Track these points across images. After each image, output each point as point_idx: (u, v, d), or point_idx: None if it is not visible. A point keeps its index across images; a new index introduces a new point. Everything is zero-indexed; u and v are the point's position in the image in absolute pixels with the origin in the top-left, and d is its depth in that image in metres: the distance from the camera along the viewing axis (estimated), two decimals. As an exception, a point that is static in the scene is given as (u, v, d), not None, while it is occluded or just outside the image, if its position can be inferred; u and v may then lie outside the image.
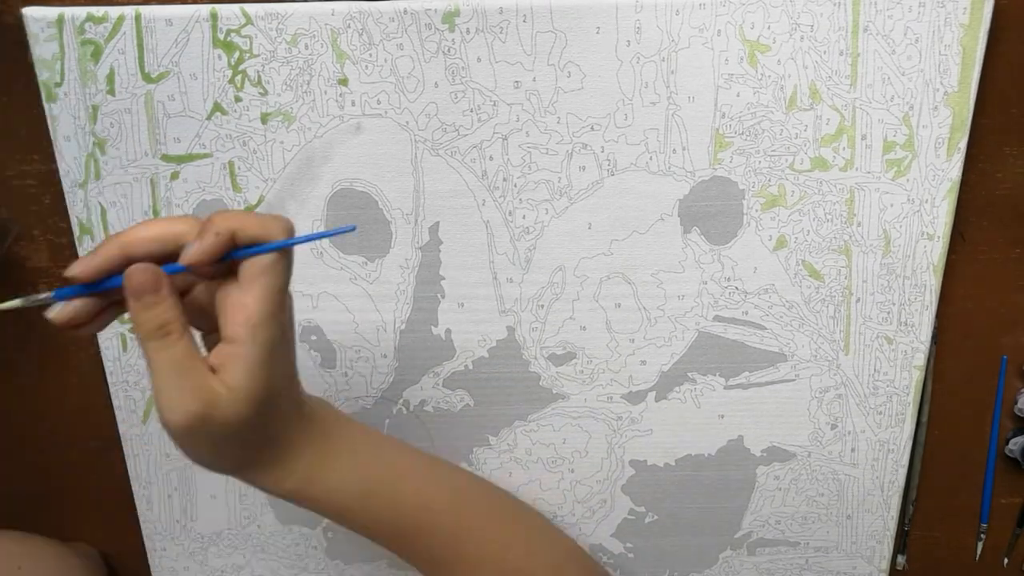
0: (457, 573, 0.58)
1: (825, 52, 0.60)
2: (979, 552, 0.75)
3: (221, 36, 0.60)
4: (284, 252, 0.46)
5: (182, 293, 0.47)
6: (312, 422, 0.52)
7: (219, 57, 0.60)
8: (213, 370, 0.45)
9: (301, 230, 0.64)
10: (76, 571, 0.70)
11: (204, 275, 0.46)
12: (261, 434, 0.48)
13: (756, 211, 0.63)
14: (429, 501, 0.56)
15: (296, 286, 0.65)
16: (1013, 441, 0.70)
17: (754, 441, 0.69)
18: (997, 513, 0.73)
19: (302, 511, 0.69)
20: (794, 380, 0.67)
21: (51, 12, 0.59)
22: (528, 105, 0.61)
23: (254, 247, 0.45)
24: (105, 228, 0.64)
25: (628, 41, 0.60)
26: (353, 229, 0.48)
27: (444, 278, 0.66)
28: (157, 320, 0.44)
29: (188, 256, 0.44)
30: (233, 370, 0.45)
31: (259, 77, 0.61)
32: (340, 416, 0.55)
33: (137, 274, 0.44)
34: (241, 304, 0.45)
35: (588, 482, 0.71)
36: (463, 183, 0.63)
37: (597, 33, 0.60)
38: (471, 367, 0.68)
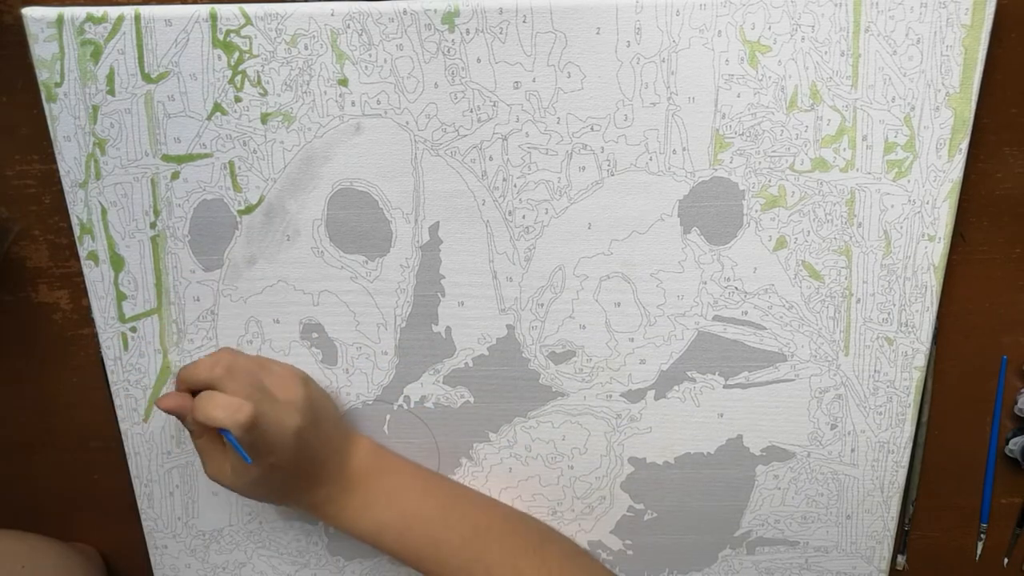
0: None
1: (826, 53, 0.59)
2: (979, 552, 0.75)
3: (220, 36, 0.60)
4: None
5: None
6: (343, 484, 0.66)
7: (219, 57, 0.60)
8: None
9: (302, 230, 0.64)
10: (77, 570, 0.70)
11: None
12: (275, 490, 0.64)
13: (756, 211, 0.63)
14: (438, 541, 0.66)
15: (297, 284, 0.66)
16: (1013, 441, 0.70)
17: (753, 440, 0.70)
18: (997, 513, 0.73)
19: (303, 509, 0.70)
20: (794, 380, 0.67)
21: (51, 12, 0.59)
22: (528, 105, 0.61)
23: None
24: (105, 228, 0.64)
25: (628, 42, 0.60)
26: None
27: (444, 277, 0.66)
28: (188, 428, 0.62)
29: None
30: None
31: (259, 77, 0.61)
32: (373, 468, 0.68)
33: (167, 400, 0.61)
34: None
35: (587, 479, 0.72)
36: (463, 183, 0.63)
37: (597, 33, 0.59)
38: (471, 364, 0.68)
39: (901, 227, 0.63)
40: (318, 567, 0.75)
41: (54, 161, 0.63)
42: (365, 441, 0.69)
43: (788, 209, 0.63)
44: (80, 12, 0.59)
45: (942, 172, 0.62)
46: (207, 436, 0.62)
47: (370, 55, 0.60)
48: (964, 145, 0.61)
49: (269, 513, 0.73)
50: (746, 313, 0.66)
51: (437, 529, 0.66)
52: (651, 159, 0.62)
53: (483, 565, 0.65)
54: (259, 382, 0.62)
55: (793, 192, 0.63)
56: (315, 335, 0.68)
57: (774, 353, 0.67)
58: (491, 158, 0.63)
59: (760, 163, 0.62)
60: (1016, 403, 0.70)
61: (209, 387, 0.60)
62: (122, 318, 0.67)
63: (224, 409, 0.58)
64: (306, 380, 0.66)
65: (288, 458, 0.61)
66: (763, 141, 0.62)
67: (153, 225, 0.65)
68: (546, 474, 0.72)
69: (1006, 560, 0.75)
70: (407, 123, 0.62)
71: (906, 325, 0.66)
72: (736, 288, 0.65)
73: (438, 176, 0.63)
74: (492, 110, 0.61)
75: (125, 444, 0.71)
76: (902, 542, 0.74)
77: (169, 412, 0.60)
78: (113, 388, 0.69)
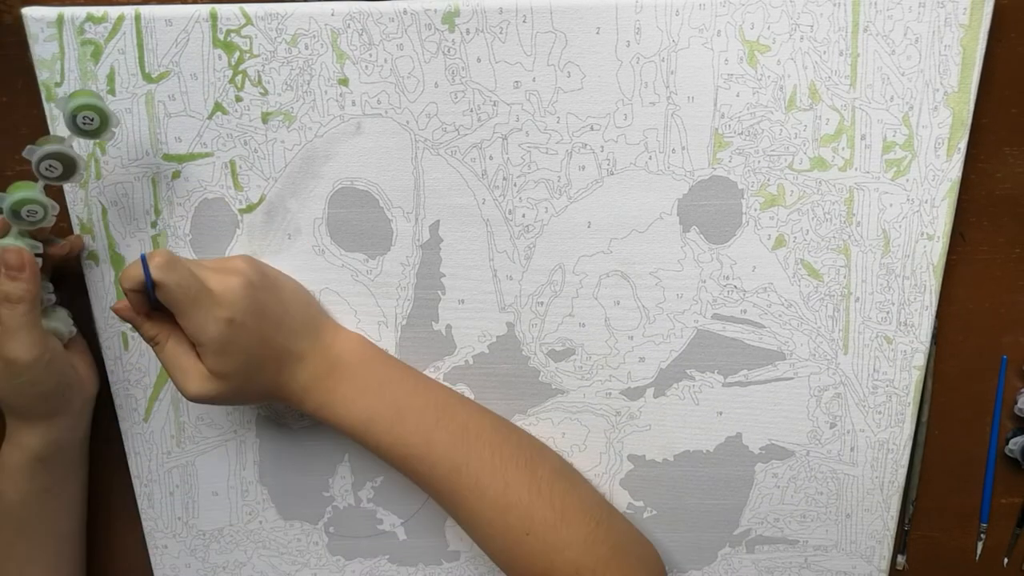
0: (456, 500, 0.64)
1: (825, 52, 0.60)
2: (979, 552, 0.75)
3: (221, 36, 0.60)
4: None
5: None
6: (329, 364, 0.64)
7: (219, 57, 0.61)
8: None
9: (303, 228, 0.65)
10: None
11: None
12: (253, 367, 0.60)
13: (755, 210, 0.63)
14: (427, 437, 0.63)
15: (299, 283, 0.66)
16: (1013, 441, 0.70)
17: (753, 438, 0.70)
18: (997, 513, 0.73)
19: (302, 507, 0.71)
20: (793, 378, 0.67)
21: (51, 12, 0.59)
22: (528, 105, 0.61)
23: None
24: (106, 227, 0.64)
25: (628, 41, 0.60)
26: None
27: (444, 275, 0.66)
28: (147, 336, 0.59)
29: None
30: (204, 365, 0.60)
31: (259, 77, 0.61)
32: (364, 356, 0.66)
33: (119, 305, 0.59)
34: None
35: (587, 476, 0.71)
36: (463, 182, 0.63)
37: (597, 33, 0.60)
38: (471, 362, 0.69)
39: (900, 226, 0.63)
40: (318, 567, 0.75)
41: (55, 160, 0.63)
42: (354, 335, 0.68)
43: (787, 208, 0.63)
44: (80, 12, 0.59)
45: (941, 171, 0.62)
46: (171, 341, 0.59)
47: (370, 55, 0.60)
48: (963, 144, 0.61)
49: (269, 513, 0.73)
50: (745, 311, 0.66)
51: (429, 424, 0.64)
52: (650, 158, 0.62)
53: (471, 470, 0.63)
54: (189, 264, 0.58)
55: (792, 191, 0.63)
56: (315, 334, 0.68)
57: (773, 351, 0.67)
58: (491, 157, 0.63)
59: (759, 162, 0.62)
60: (1016, 403, 0.70)
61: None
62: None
63: (137, 262, 0.55)
64: (247, 257, 0.63)
65: (244, 312, 0.58)
66: (762, 140, 0.62)
67: (154, 224, 0.65)
68: (546, 473, 0.72)
69: (1006, 560, 0.75)
70: (407, 122, 0.62)
71: (905, 324, 0.66)
72: (735, 287, 0.65)
73: (438, 175, 0.63)
74: (492, 109, 0.62)
75: (125, 444, 0.71)
76: (902, 542, 0.74)
77: (123, 317, 0.58)
78: (113, 388, 0.69)
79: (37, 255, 0.60)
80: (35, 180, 0.58)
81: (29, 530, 0.67)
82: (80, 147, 0.62)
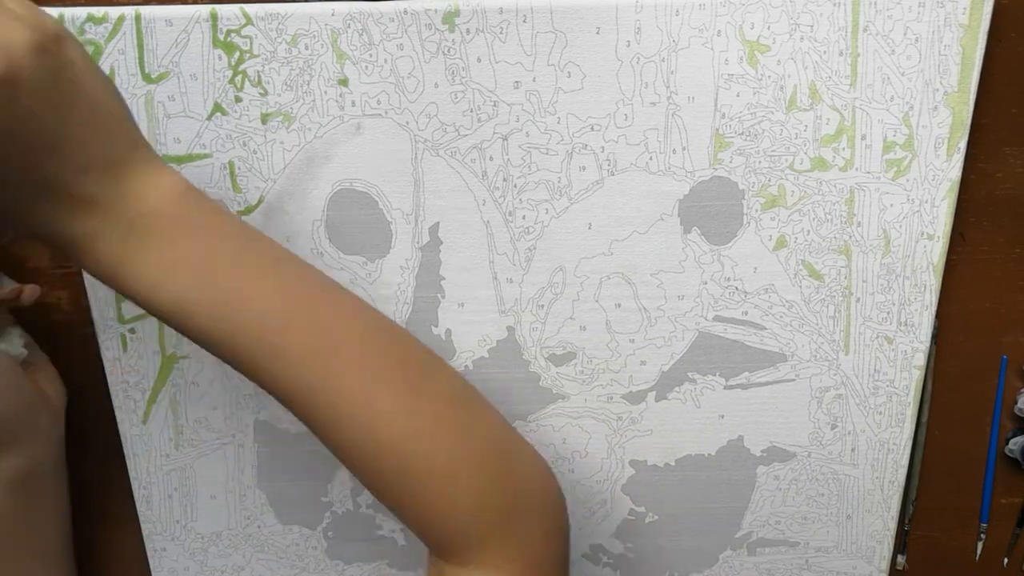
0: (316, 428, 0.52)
1: (825, 52, 0.60)
2: (979, 552, 0.75)
3: (221, 36, 0.60)
4: None
5: None
6: (129, 222, 0.46)
7: (219, 57, 0.60)
8: None
9: (301, 231, 0.64)
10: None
11: None
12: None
13: (756, 211, 0.63)
14: (274, 347, 0.49)
15: (296, 286, 0.65)
16: (1013, 441, 0.70)
17: (754, 441, 0.69)
18: (997, 513, 0.73)
19: (301, 512, 0.70)
20: (794, 380, 0.67)
21: (51, 12, 0.59)
22: (528, 105, 0.61)
23: None
24: (105, 228, 0.64)
25: (628, 41, 0.60)
26: None
27: (444, 278, 0.66)
28: None
29: None
30: None
31: (259, 77, 0.61)
32: (189, 216, 0.48)
33: None
34: None
35: (588, 482, 0.71)
36: (463, 183, 0.63)
37: (597, 33, 0.60)
38: (471, 367, 0.68)
39: (900, 226, 0.63)
40: (317, 571, 0.75)
41: (54, 162, 0.63)
42: (175, 179, 0.49)
43: (788, 208, 0.63)
44: (80, 12, 0.59)
45: (941, 171, 0.62)
46: None
47: (370, 55, 0.60)
48: (962, 144, 0.61)
49: (268, 517, 0.73)
50: (746, 313, 0.66)
51: (272, 330, 0.48)
52: (651, 159, 0.62)
53: (329, 394, 0.49)
54: None
55: (793, 191, 0.63)
56: (315, 337, 0.68)
57: (774, 353, 0.67)
58: (491, 158, 0.63)
59: (760, 162, 0.62)
60: (1016, 403, 0.70)
61: None
62: (121, 319, 0.66)
63: None
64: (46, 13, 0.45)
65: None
66: (763, 140, 0.62)
67: (153, 226, 0.64)
68: (546, 476, 0.72)
69: (1006, 560, 0.75)
70: (407, 123, 0.62)
71: (905, 324, 0.66)
72: (736, 288, 0.65)
73: (438, 176, 0.63)
74: (492, 110, 0.62)
75: (124, 446, 0.71)
76: (902, 542, 0.74)
77: None
78: (112, 389, 0.69)
79: None
80: None
81: (11, 554, 0.66)
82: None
